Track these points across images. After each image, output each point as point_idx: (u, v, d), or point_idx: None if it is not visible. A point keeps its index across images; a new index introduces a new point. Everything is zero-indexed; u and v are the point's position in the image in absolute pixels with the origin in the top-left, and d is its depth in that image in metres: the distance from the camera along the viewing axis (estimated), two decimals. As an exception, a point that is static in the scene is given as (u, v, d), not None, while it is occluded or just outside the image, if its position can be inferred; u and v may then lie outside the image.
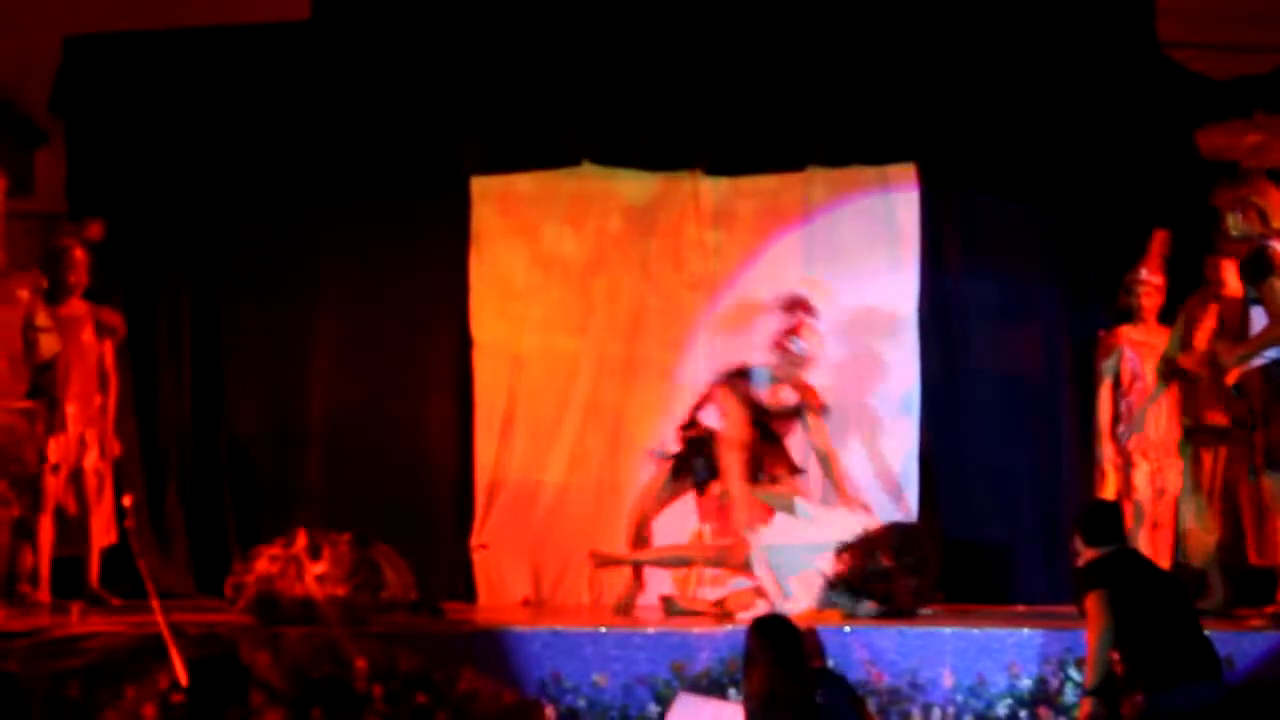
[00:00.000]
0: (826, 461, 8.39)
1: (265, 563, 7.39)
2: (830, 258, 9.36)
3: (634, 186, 9.44)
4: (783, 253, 9.39)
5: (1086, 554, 6.45)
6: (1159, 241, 8.45)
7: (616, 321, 9.41)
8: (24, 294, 8.37)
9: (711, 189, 9.40)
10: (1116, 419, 8.39)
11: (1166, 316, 8.41)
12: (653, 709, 6.88)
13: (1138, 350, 8.42)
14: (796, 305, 8.32)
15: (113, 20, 9.33)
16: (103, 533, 8.58)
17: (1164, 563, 8.24)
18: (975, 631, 6.98)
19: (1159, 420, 8.33)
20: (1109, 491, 8.31)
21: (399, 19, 9.32)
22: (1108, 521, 6.57)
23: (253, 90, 9.32)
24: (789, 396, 8.29)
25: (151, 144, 9.38)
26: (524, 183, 9.46)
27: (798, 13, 9.17)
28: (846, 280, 9.29)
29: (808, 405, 8.30)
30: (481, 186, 9.46)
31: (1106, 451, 8.37)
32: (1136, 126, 9.12)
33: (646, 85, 9.22)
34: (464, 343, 9.40)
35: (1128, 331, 8.48)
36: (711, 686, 6.88)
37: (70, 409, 8.51)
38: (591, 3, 9.27)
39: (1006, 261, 9.28)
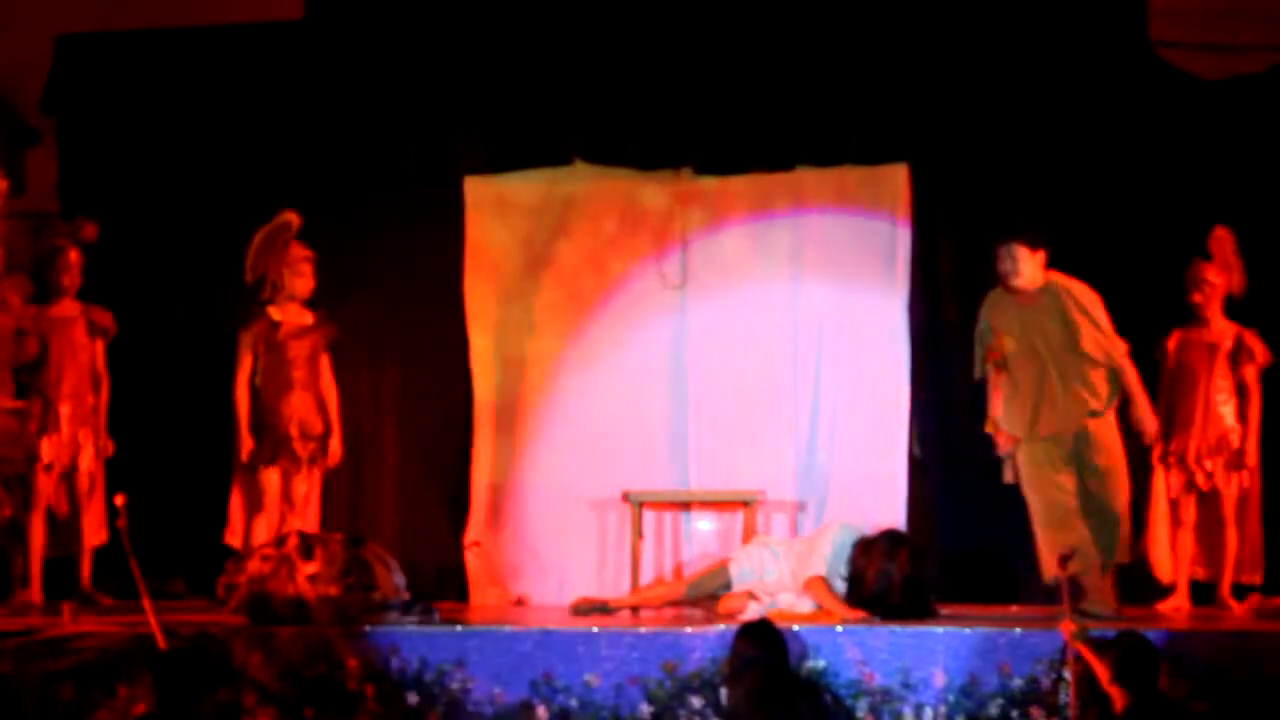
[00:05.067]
0: None
1: (257, 563, 7.40)
2: (821, 258, 9.36)
3: (626, 185, 9.44)
4: (774, 252, 9.40)
5: (1117, 695, 6.20)
6: (1215, 239, 8.47)
7: (609, 321, 9.41)
8: (15, 299, 8.39)
9: (703, 188, 9.41)
10: (1167, 419, 8.45)
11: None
12: (645, 709, 6.88)
13: (1189, 352, 8.48)
14: None
15: (105, 19, 9.33)
16: (94, 533, 8.58)
17: (1184, 561, 8.43)
18: (967, 631, 6.97)
19: (1209, 422, 8.41)
20: (1158, 487, 8.47)
21: (392, 19, 9.32)
22: (1148, 666, 6.38)
23: (245, 90, 9.32)
24: None
25: (144, 143, 9.39)
26: (517, 182, 9.45)
27: (789, 12, 9.17)
28: (837, 280, 9.31)
29: None
30: (475, 186, 9.46)
31: (1156, 450, 8.48)
32: (1130, 127, 9.12)
33: (638, 85, 9.22)
34: (457, 342, 9.40)
35: (1179, 333, 8.54)
36: (704, 686, 6.88)
37: (63, 409, 8.52)
38: (584, 3, 9.27)
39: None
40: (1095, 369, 7.93)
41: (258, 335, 8.70)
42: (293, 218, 8.73)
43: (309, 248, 8.76)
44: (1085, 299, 8.01)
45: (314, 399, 8.73)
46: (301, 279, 8.74)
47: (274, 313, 8.75)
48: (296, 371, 8.69)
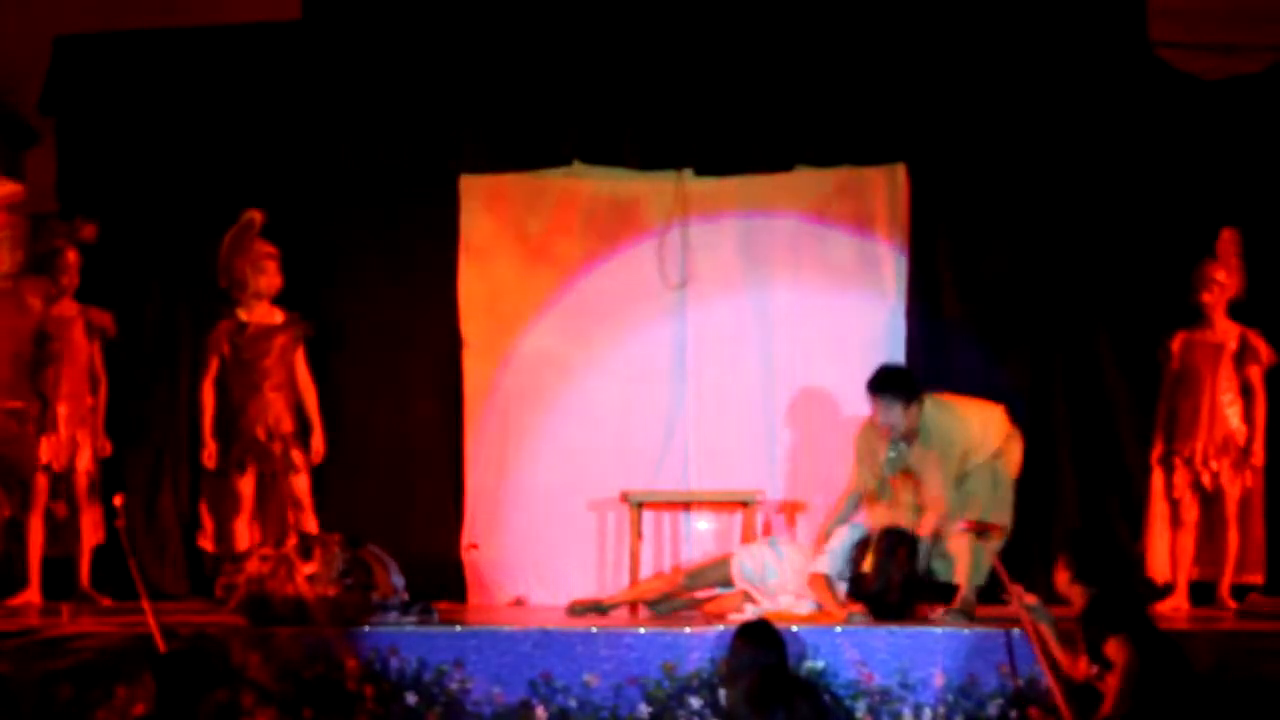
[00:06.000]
0: None
1: (256, 563, 7.39)
2: (819, 257, 9.37)
3: (623, 186, 9.44)
4: (772, 252, 9.40)
5: (1076, 596, 6.37)
6: (1223, 241, 8.48)
7: (605, 321, 9.41)
8: (36, 302, 8.40)
9: (700, 189, 9.41)
10: (1170, 420, 8.51)
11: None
12: (643, 709, 6.88)
13: (1193, 353, 8.48)
14: None
15: (104, 19, 9.32)
16: (93, 533, 8.58)
17: (1184, 562, 8.45)
18: (966, 632, 6.97)
19: (1215, 423, 8.42)
20: (1156, 488, 8.53)
21: (390, 19, 9.31)
22: (1106, 554, 6.48)
23: (243, 90, 9.31)
24: None
25: (142, 144, 9.38)
26: (513, 182, 9.46)
27: (787, 12, 9.16)
28: (836, 279, 9.31)
29: None
30: (471, 186, 9.47)
31: (1156, 451, 8.55)
32: (1129, 127, 9.11)
33: (636, 85, 9.21)
34: (453, 342, 9.40)
35: (1183, 334, 8.55)
36: (702, 687, 6.88)
37: (61, 409, 8.53)
38: (581, 3, 9.26)
39: (996, 264, 9.26)
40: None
41: (223, 337, 8.70)
42: (256, 215, 8.73)
43: (273, 244, 8.77)
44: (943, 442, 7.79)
45: (285, 399, 8.72)
46: (266, 276, 8.74)
47: (241, 313, 8.75)
48: (265, 372, 8.68)
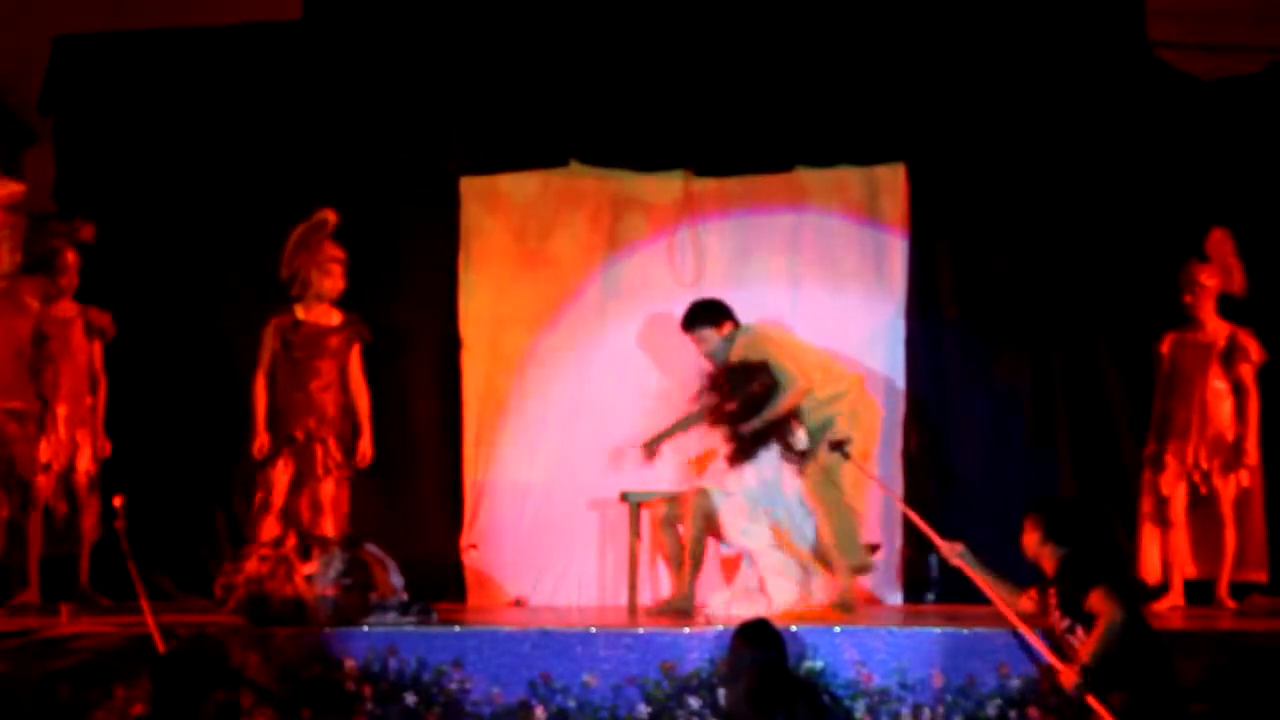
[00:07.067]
0: None
1: (255, 563, 7.39)
2: (819, 258, 9.37)
3: (623, 186, 9.45)
4: (771, 253, 9.40)
5: (1047, 558, 6.47)
6: (1214, 241, 8.48)
7: (605, 322, 9.42)
8: (34, 302, 8.41)
9: (700, 189, 9.41)
10: (1163, 420, 8.52)
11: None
12: (642, 709, 6.88)
13: (1183, 353, 8.48)
14: None
15: (103, 20, 9.33)
16: (92, 533, 8.58)
17: (1178, 561, 8.47)
18: (965, 632, 6.97)
19: (1206, 423, 8.42)
20: (1146, 488, 8.56)
21: (390, 19, 9.32)
22: (1075, 514, 6.58)
23: (243, 90, 9.33)
24: None
25: (141, 144, 9.39)
26: (513, 183, 9.47)
27: (787, 13, 9.17)
28: (835, 279, 9.32)
29: None
30: (470, 186, 9.47)
31: (1147, 449, 8.57)
32: (1128, 127, 9.12)
33: (636, 85, 9.22)
34: (452, 343, 9.40)
35: (1173, 335, 8.55)
36: (702, 687, 6.88)
37: (61, 410, 8.54)
38: (581, 4, 9.26)
39: (996, 264, 9.27)
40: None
41: (278, 332, 8.66)
42: (330, 216, 8.69)
43: (342, 248, 8.74)
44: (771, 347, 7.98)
45: (334, 400, 8.66)
46: (330, 279, 8.70)
47: (299, 310, 8.71)
48: (315, 371, 8.65)
